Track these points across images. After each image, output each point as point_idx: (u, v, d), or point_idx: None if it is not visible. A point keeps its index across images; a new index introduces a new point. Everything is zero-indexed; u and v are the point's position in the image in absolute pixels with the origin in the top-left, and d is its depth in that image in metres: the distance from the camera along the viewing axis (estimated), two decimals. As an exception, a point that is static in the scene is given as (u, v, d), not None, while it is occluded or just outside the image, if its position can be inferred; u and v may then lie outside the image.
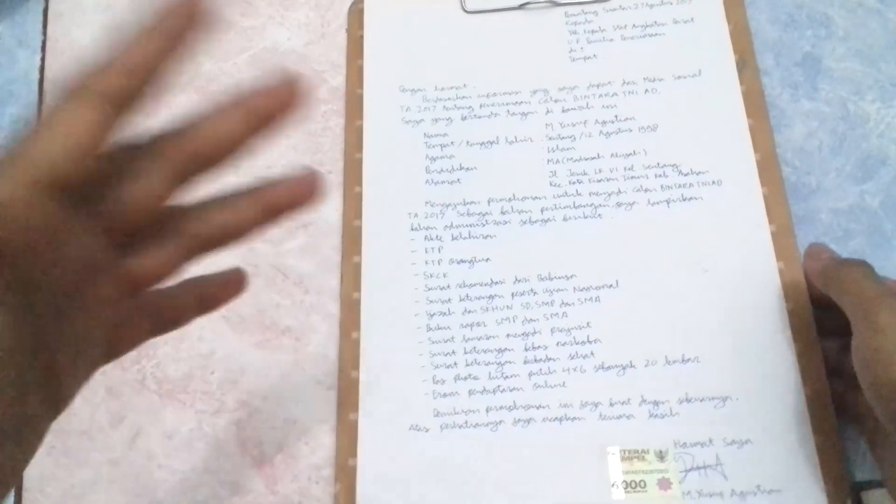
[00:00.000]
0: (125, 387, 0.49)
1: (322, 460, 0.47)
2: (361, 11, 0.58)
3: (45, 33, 0.60)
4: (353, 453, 0.45)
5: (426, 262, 0.50)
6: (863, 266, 0.41)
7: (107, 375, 0.50)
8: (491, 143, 0.53)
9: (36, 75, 0.59)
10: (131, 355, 0.49)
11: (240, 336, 0.50)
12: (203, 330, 0.50)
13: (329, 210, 0.53)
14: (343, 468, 0.45)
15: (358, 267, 0.50)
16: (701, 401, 0.45)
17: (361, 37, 0.57)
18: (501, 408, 0.46)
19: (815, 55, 0.55)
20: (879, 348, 0.37)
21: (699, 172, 0.51)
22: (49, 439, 0.47)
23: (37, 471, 0.48)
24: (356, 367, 0.48)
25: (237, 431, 0.48)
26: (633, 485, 0.43)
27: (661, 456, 0.44)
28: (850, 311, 0.39)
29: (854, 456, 0.44)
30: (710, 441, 0.44)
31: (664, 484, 0.43)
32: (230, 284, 0.36)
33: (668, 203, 0.50)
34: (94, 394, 0.49)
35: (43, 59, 0.59)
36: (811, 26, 0.56)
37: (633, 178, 0.51)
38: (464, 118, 0.54)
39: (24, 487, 0.48)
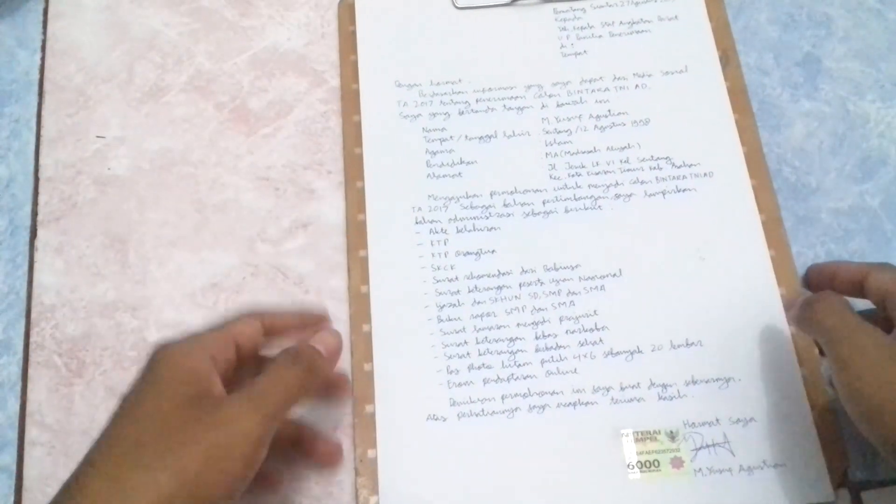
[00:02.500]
0: (125, 386, 0.47)
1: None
2: (352, 7, 0.58)
3: (45, 33, 0.58)
4: (373, 444, 0.46)
5: (433, 255, 0.51)
6: (829, 298, 0.41)
7: (106, 375, 0.49)
8: (490, 138, 0.54)
9: (36, 75, 0.57)
10: (131, 355, 0.49)
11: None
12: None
13: (329, 210, 0.53)
14: (363, 460, 0.46)
15: (364, 261, 0.51)
16: (706, 382, 0.47)
17: (353, 32, 0.57)
18: (516, 395, 0.47)
19: (815, 55, 0.57)
20: (846, 383, 0.38)
21: (691, 165, 0.53)
22: (49, 439, 0.47)
23: (37, 471, 0.47)
24: (369, 359, 0.48)
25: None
26: (648, 464, 0.45)
27: (672, 436, 0.46)
28: (822, 346, 0.41)
29: (854, 456, 0.46)
30: (717, 420, 0.46)
31: (676, 463, 0.45)
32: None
33: (663, 194, 0.52)
34: (94, 394, 0.49)
35: (43, 59, 0.58)
36: (811, 26, 0.58)
37: (629, 170, 0.53)
38: (461, 113, 0.55)
39: (24, 487, 0.47)
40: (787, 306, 0.45)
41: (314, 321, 0.47)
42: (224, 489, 0.37)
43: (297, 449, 0.46)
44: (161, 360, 0.39)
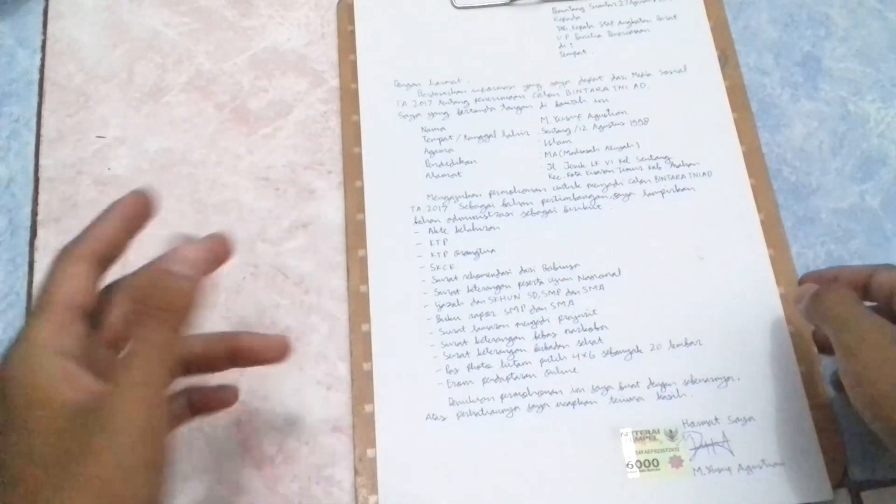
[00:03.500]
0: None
1: (322, 460, 0.47)
2: (351, 6, 0.58)
3: (45, 33, 0.59)
4: (372, 444, 0.46)
5: (432, 255, 0.51)
6: (838, 290, 0.42)
7: (107, 374, 0.49)
8: (489, 137, 0.54)
9: (36, 75, 0.57)
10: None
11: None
12: (203, 330, 0.50)
13: (329, 210, 0.53)
14: (362, 459, 0.46)
15: (364, 260, 0.51)
16: (705, 381, 0.47)
17: (352, 32, 0.57)
18: (515, 394, 0.47)
19: (815, 55, 0.57)
20: (852, 370, 0.39)
21: (690, 164, 0.53)
22: None
23: (37, 472, 0.47)
24: (368, 359, 0.48)
25: (237, 431, 0.48)
26: (647, 464, 0.45)
27: (671, 435, 0.46)
28: (830, 336, 0.41)
29: (854, 455, 0.46)
30: (716, 419, 0.46)
31: (676, 462, 0.45)
32: (221, 398, 0.43)
33: (662, 194, 0.52)
34: (93, 393, 0.49)
35: (43, 59, 0.58)
36: (811, 26, 0.58)
37: (628, 169, 0.53)
38: (460, 112, 0.55)
39: (25, 490, 0.47)
40: (797, 299, 0.45)
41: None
42: (143, 492, 0.31)
43: (238, 362, 0.41)
44: (11, 389, 0.32)
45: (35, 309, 0.34)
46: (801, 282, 0.49)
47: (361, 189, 0.53)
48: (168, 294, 0.33)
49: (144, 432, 0.31)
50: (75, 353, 0.33)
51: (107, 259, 0.36)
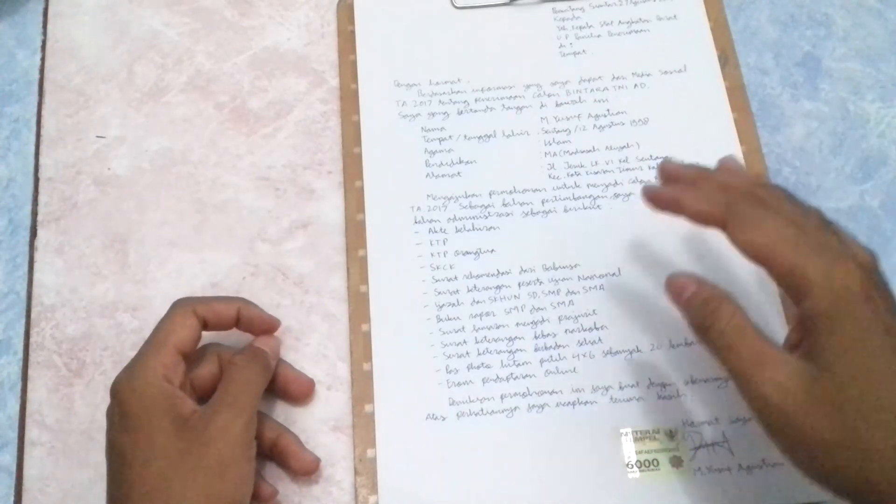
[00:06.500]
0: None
1: (322, 459, 0.47)
2: (351, 7, 0.58)
3: (45, 33, 0.59)
4: (372, 444, 0.46)
5: (432, 255, 0.51)
6: (727, 304, 0.39)
7: (106, 376, 0.49)
8: (489, 137, 0.54)
9: (36, 75, 0.57)
10: (131, 355, 0.48)
11: (240, 335, 0.49)
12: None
13: (328, 210, 0.53)
14: (362, 459, 0.46)
15: (364, 260, 0.51)
16: (705, 381, 0.47)
17: (352, 32, 0.57)
18: (515, 394, 0.47)
19: (815, 55, 0.57)
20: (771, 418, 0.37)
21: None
22: (49, 439, 0.47)
23: (37, 471, 0.47)
24: (368, 359, 0.48)
25: (237, 431, 0.48)
26: (647, 464, 0.45)
27: (671, 435, 0.46)
28: (728, 371, 0.38)
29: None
30: (716, 420, 0.46)
31: (676, 462, 0.45)
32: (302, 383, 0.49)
33: (662, 194, 0.52)
34: (94, 394, 0.49)
35: (43, 59, 0.58)
36: (811, 26, 0.58)
37: (628, 170, 0.53)
38: (460, 112, 0.55)
39: (24, 488, 0.47)
40: (672, 287, 0.41)
41: (253, 318, 0.48)
42: (240, 495, 0.41)
43: (274, 456, 0.47)
44: (128, 399, 0.41)
45: (152, 343, 0.43)
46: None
47: (361, 189, 0.53)
48: (266, 360, 0.46)
49: (239, 438, 0.41)
50: (177, 383, 0.42)
51: (209, 325, 0.46)
